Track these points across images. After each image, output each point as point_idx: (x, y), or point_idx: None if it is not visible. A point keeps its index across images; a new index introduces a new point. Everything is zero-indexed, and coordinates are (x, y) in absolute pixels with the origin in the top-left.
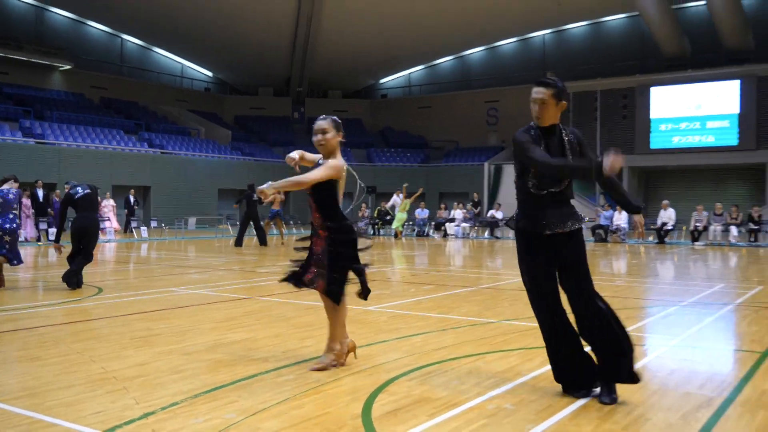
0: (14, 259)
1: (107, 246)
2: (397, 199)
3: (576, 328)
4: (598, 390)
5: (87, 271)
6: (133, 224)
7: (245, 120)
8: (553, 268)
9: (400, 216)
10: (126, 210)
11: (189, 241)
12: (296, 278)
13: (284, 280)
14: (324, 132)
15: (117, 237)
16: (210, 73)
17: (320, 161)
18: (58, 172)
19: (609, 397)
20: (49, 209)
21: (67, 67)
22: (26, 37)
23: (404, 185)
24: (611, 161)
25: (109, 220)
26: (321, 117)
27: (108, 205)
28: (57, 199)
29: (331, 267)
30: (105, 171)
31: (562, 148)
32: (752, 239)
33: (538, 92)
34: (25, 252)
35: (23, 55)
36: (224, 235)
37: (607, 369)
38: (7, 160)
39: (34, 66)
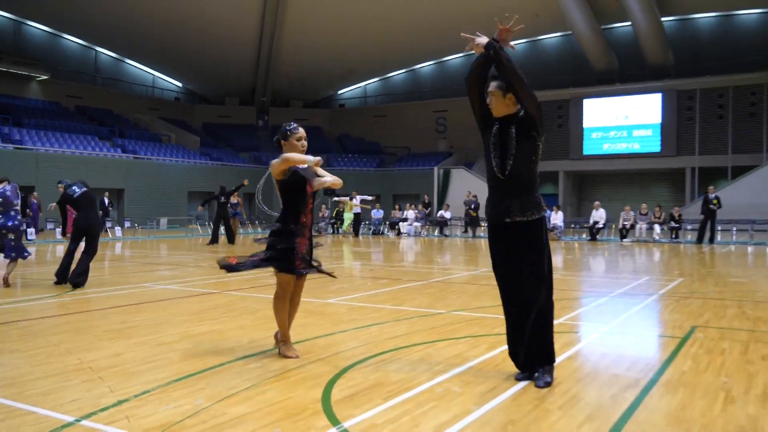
0: (23, 251)
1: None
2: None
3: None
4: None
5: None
6: (108, 224)
7: (213, 127)
8: (513, 256)
9: (347, 216)
10: (101, 211)
11: (161, 240)
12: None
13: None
14: None
15: None
16: (180, 84)
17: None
18: (35, 175)
19: (543, 381)
20: (28, 210)
21: (44, 77)
22: (5, 49)
23: (340, 196)
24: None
25: None
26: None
27: None
28: (35, 201)
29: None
30: (80, 175)
31: (509, 131)
32: (673, 236)
33: (490, 87)
34: None
35: (2, 66)
36: (194, 234)
37: (531, 354)
38: None
39: (12, 76)
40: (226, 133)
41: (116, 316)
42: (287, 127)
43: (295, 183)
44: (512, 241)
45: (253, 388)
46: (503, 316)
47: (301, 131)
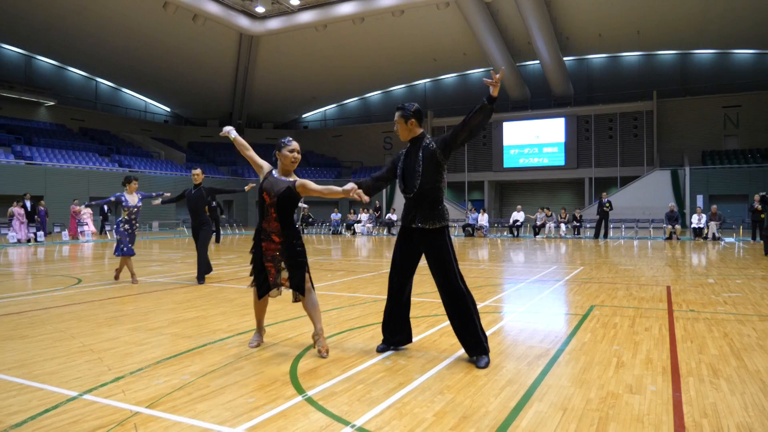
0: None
1: (86, 245)
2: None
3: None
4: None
5: (70, 266)
6: (107, 228)
7: (197, 145)
8: (408, 257)
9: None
10: (101, 216)
11: (153, 240)
12: (269, 286)
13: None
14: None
15: (94, 238)
16: (168, 109)
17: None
18: (44, 187)
19: (483, 362)
20: (36, 216)
21: (52, 103)
22: (17, 80)
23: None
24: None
25: (87, 224)
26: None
27: (87, 213)
28: (42, 209)
29: (297, 265)
30: (83, 186)
31: (416, 156)
32: (576, 233)
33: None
34: (19, 251)
35: (15, 93)
36: (181, 235)
37: (465, 343)
38: (2, 177)
39: (24, 102)
40: (207, 150)
41: (113, 306)
42: (282, 140)
43: (259, 195)
44: (415, 245)
45: (231, 365)
46: (440, 300)
47: (294, 144)
